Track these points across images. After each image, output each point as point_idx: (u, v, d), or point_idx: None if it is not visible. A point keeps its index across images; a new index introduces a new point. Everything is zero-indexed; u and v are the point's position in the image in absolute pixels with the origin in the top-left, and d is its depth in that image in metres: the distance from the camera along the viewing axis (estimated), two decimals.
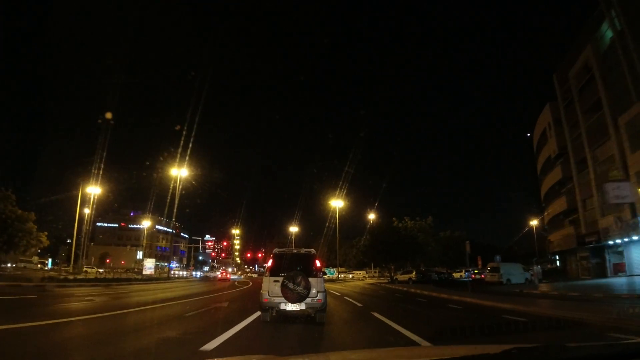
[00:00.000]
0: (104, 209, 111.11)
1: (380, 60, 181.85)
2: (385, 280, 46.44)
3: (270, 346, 6.70)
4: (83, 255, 54.51)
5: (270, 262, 9.06)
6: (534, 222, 65.49)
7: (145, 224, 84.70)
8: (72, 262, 51.67)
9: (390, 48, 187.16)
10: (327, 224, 54.04)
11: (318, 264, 8.96)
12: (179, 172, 42.79)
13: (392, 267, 51.39)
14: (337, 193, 52.65)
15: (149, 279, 38.24)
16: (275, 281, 8.39)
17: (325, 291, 8.72)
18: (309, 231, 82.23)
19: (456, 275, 48.91)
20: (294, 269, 8.54)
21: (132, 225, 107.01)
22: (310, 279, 8.28)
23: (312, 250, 9.80)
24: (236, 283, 33.95)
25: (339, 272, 63.83)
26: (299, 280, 8.15)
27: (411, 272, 37.09)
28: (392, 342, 6.97)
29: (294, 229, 73.21)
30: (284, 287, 8.12)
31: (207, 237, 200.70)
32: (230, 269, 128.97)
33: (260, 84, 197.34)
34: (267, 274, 8.82)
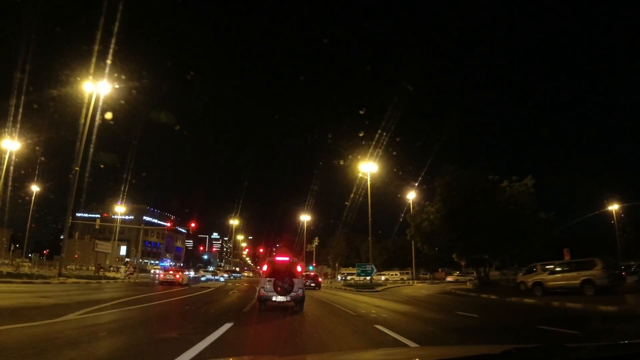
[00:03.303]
0: (84, 197, 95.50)
1: None
2: (469, 286, 27.01)
3: None
4: None
5: (265, 267, 12.52)
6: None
7: (119, 210, 69.53)
8: None
9: None
10: (345, 215, 45.49)
11: (299, 268, 12.62)
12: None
13: (463, 263, 33.49)
14: (369, 156, 34.07)
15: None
16: (269, 281, 11.41)
17: (303, 288, 11.98)
18: (322, 225, 69.31)
19: None
20: (283, 272, 11.64)
21: (116, 217, 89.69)
22: (294, 280, 11.45)
23: (295, 258, 14.36)
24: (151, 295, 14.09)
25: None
26: (286, 280, 11.28)
27: (591, 266, 15.99)
28: None
29: (305, 220, 62.51)
30: (275, 284, 11.23)
31: (215, 235, 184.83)
32: (239, 268, 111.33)
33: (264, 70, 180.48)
34: (264, 275, 12.02)
